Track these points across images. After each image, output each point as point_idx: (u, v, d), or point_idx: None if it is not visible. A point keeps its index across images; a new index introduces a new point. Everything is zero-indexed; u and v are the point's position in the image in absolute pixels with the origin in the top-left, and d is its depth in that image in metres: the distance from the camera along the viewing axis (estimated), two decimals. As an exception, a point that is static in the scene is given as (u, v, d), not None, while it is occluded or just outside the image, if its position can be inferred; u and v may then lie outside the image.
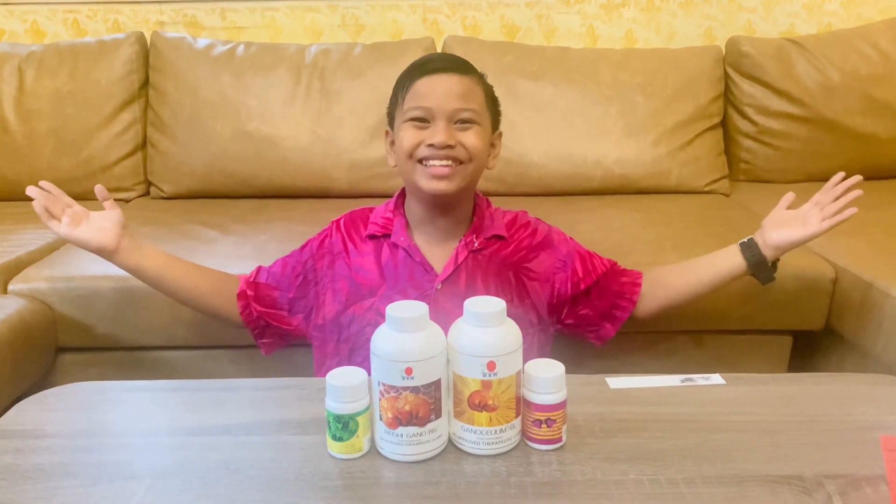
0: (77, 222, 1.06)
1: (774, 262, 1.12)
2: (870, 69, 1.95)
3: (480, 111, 1.01)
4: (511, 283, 1.07)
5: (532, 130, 1.91)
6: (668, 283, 1.16)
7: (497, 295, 0.80)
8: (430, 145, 0.98)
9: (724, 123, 2.03)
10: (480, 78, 1.04)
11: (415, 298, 0.92)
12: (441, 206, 1.04)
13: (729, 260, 1.11)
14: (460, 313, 0.73)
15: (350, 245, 1.09)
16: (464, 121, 0.99)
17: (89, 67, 1.93)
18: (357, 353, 1.05)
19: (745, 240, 1.11)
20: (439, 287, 1.02)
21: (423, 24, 2.14)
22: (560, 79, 1.94)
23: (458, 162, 0.99)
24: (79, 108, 1.92)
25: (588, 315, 1.14)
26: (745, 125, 2.01)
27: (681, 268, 1.18)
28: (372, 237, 1.08)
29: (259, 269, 1.17)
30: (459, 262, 1.03)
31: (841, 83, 1.94)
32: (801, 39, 2.01)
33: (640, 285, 1.14)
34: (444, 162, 0.98)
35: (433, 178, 0.99)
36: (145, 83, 1.97)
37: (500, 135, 1.08)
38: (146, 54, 1.98)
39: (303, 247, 1.15)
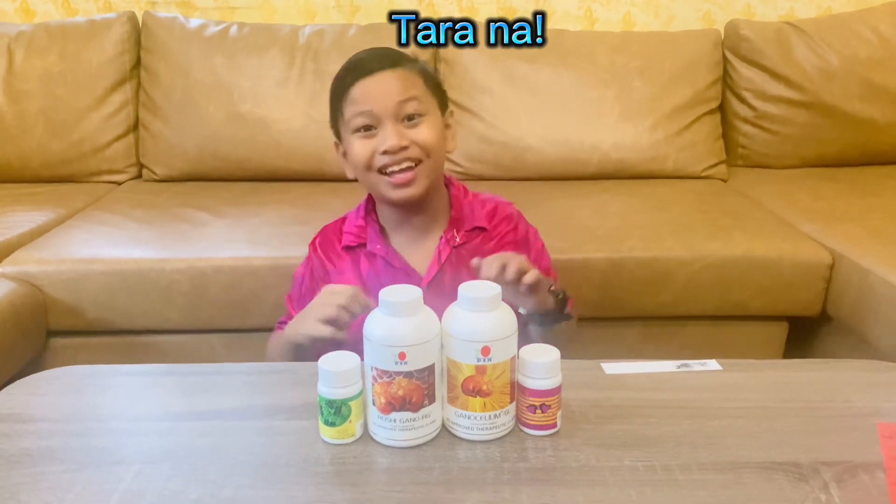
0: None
1: (557, 301, 0.97)
2: (869, 53, 1.94)
3: (424, 98, 0.96)
4: None
5: (528, 114, 1.89)
6: None
7: None
8: (385, 152, 0.94)
9: (723, 108, 2.01)
10: (415, 64, 0.99)
11: None
12: (413, 207, 1.00)
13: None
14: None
15: (329, 266, 1.04)
16: (410, 116, 0.95)
17: (80, 48, 1.91)
18: None
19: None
20: (425, 290, 1.00)
21: (420, 5, 2.11)
22: (557, 62, 1.92)
23: (417, 162, 0.95)
24: (69, 89, 1.89)
25: None
26: (743, 110, 2.00)
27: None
28: (348, 248, 1.03)
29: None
30: (443, 261, 1.01)
31: (840, 68, 1.93)
32: (801, 23, 2.00)
33: None
34: (404, 165, 0.94)
35: (397, 187, 0.95)
36: (137, 64, 1.95)
37: (452, 112, 1.03)
38: (138, 34, 1.95)
39: (296, 284, 1.08)
